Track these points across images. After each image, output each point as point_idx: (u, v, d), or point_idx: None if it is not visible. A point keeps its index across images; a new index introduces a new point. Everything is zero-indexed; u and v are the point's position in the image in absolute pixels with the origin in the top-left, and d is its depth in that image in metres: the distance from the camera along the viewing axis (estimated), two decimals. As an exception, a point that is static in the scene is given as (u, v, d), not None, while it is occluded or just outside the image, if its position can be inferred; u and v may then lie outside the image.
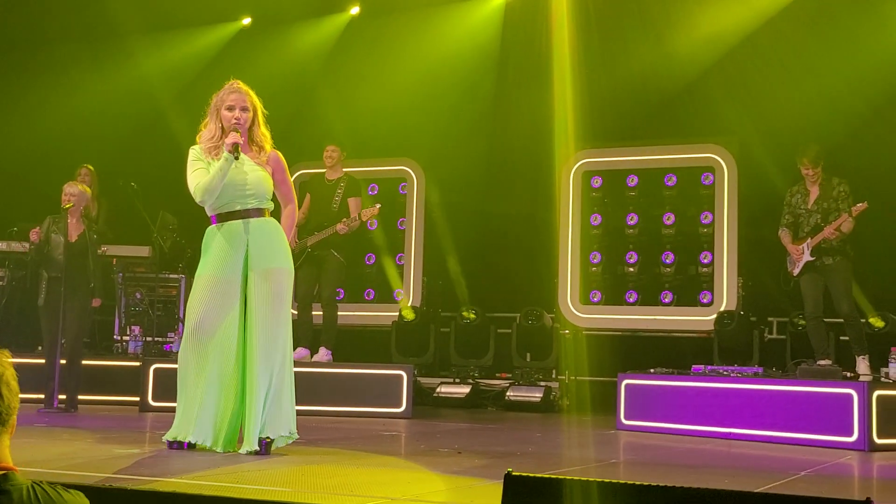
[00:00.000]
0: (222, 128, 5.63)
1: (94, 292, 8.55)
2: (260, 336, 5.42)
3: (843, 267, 8.19)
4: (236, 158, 5.49)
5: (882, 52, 9.55)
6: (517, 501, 2.63)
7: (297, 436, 5.57)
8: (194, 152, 5.65)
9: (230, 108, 5.61)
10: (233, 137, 5.50)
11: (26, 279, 9.60)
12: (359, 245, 11.12)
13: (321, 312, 9.25)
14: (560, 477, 2.63)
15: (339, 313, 9.37)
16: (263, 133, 5.71)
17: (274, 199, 5.77)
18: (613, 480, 2.55)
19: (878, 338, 8.99)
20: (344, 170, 9.47)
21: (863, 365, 8.14)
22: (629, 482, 2.51)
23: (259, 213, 5.62)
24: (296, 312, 8.10)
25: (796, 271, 8.34)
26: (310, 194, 9.52)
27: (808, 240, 8.23)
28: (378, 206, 9.31)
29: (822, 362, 8.13)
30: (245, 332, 5.48)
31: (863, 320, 9.19)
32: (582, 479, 2.56)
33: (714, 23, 10.27)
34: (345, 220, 9.03)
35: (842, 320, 8.27)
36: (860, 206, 8.01)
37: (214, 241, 5.60)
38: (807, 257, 8.23)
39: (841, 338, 9.44)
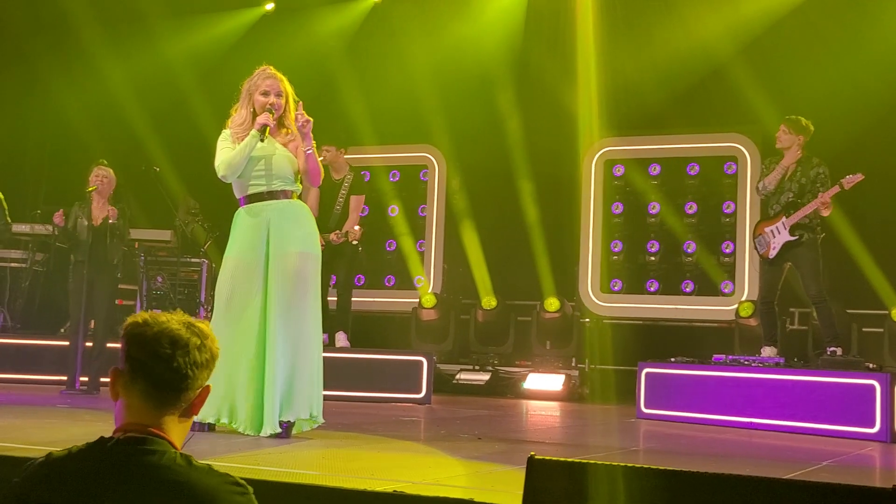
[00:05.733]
0: (253, 112, 5.63)
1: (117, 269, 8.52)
2: (279, 318, 5.41)
3: (813, 245, 7.67)
4: (262, 140, 5.49)
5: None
6: (540, 485, 2.62)
7: (321, 420, 5.53)
8: (224, 134, 5.67)
9: (265, 94, 5.59)
10: (264, 118, 5.51)
11: (49, 261, 9.65)
12: (380, 231, 11.10)
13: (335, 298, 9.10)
14: (584, 461, 2.62)
15: (361, 299, 9.25)
16: (294, 119, 5.70)
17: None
18: (639, 465, 2.53)
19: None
20: (349, 164, 8.87)
21: (768, 350, 7.72)
22: (655, 467, 2.50)
23: (285, 195, 5.62)
24: None
25: (773, 253, 7.74)
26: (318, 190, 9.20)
27: (783, 218, 7.69)
28: (360, 228, 8.68)
29: (766, 350, 7.81)
30: (266, 314, 5.48)
31: (884, 312, 9.14)
32: (607, 464, 2.54)
33: (739, 11, 10.20)
34: (336, 232, 8.51)
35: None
36: (853, 177, 7.43)
37: (240, 223, 5.62)
38: (785, 237, 7.67)
39: (864, 329, 9.40)
